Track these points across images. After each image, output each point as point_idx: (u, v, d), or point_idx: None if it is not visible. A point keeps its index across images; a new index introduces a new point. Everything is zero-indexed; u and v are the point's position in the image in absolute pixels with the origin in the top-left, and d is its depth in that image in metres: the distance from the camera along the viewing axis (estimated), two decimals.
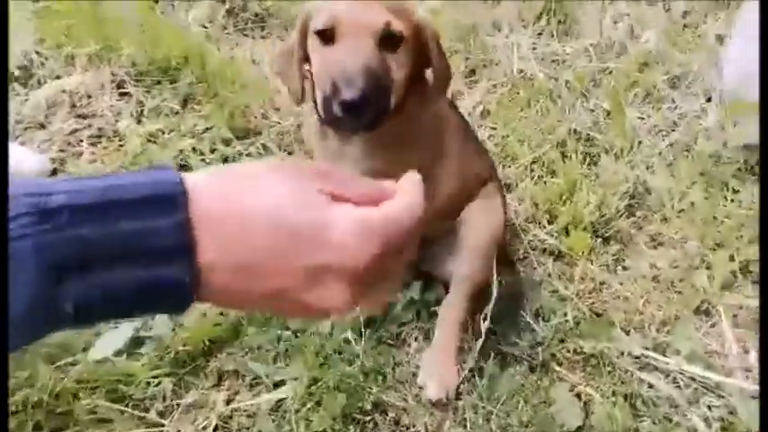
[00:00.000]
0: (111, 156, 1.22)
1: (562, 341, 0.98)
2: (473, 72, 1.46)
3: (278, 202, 0.33)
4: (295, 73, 0.78)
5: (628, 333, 0.98)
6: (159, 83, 1.40)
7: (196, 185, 0.32)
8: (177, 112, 1.33)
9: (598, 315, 1.02)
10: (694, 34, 1.57)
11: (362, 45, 0.69)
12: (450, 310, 0.95)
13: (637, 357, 0.95)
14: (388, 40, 0.71)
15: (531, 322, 1.00)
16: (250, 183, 0.34)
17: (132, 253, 0.30)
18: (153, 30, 1.41)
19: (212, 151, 1.24)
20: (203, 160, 1.21)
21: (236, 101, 1.31)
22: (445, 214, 0.93)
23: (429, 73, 0.81)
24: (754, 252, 1.07)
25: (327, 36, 0.71)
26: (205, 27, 1.57)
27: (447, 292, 0.97)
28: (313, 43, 0.74)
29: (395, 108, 0.75)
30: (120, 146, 1.24)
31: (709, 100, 1.38)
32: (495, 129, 1.32)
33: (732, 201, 1.16)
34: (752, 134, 1.22)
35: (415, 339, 0.98)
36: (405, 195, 0.38)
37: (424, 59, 0.77)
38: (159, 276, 0.30)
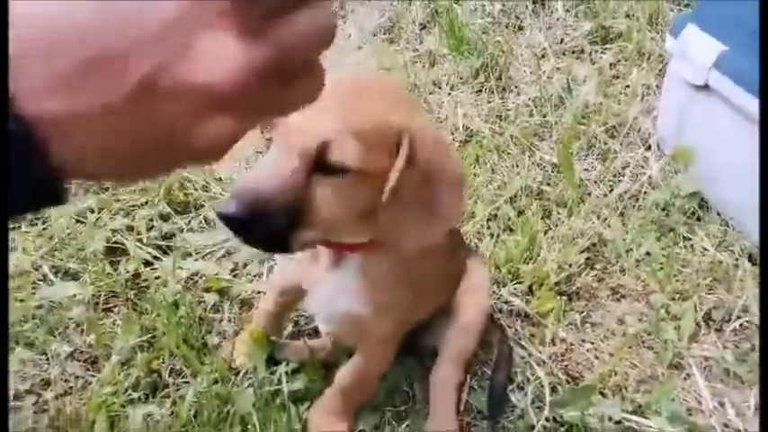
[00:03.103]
0: (36, 242, 1.10)
1: (540, 408, 0.93)
2: None
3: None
4: None
5: (605, 396, 0.95)
6: None
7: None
8: (107, 188, 1.22)
9: (573, 378, 0.98)
10: (624, 85, 1.64)
11: (283, 164, 0.55)
12: (446, 381, 0.92)
13: (618, 422, 0.91)
14: (325, 164, 0.56)
15: (508, 392, 0.95)
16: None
17: None
18: None
19: (149, 229, 1.14)
20: (140, 240, 1.11)
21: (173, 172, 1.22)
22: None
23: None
24: (713, 300, 1.08)
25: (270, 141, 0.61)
26: None
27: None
28: None
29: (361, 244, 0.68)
30: (44, 229, 1.12)
31: (648, 148, 1.42)
32: None
33: (685, 248, 1.18)
34: (695, 181, 1.27)
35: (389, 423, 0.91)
36: None
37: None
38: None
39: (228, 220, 0.54)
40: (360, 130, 0.56)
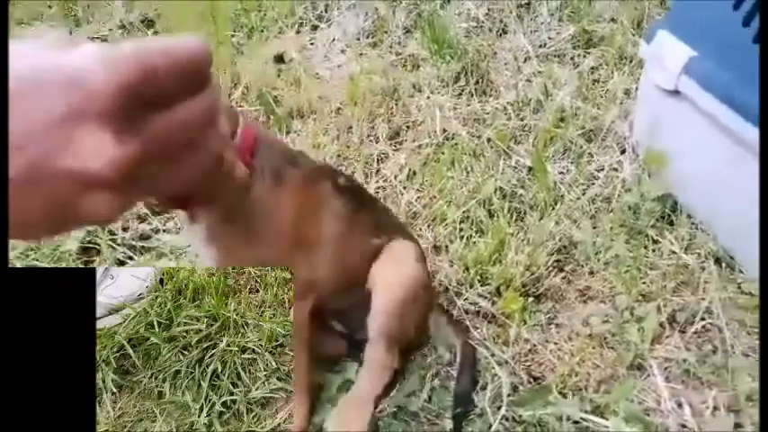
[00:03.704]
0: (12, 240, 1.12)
1: (499, 408, 0.95)
2: (397, 134, 1.47)
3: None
4: None
5: (565, 396, 0.96)
6: None
7: None
8: None
9: (535, 379, 1.00)
10: (603, 89, 1.65)
11: None
12: (371, 360, 0.94)
13: (576, 422, 0.93)
14: None
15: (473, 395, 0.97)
16: None
17: None
18: None
19: (125, 229, 1.17)
20: (114, 240, 1.14)
21: None
22: (346, 286, 0.92)
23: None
24: (678, 302, 1.09)
25: None
26: None
27: None
28: None
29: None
30: None
31: (623, 152, 1.43)
32: (421, 191, 1.32)
33: (653, 251, 1.19)
34: (666, 185, 1.28)
35: None
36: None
37: None
38: None
39: None
40: None
